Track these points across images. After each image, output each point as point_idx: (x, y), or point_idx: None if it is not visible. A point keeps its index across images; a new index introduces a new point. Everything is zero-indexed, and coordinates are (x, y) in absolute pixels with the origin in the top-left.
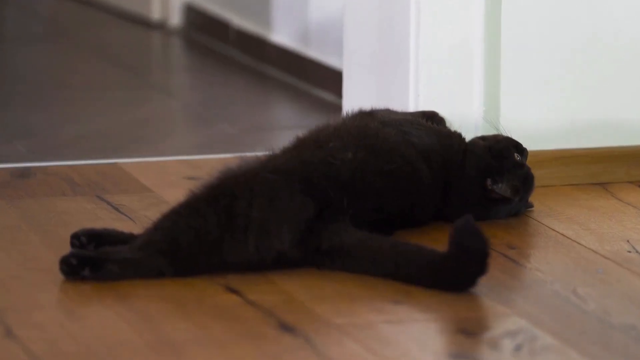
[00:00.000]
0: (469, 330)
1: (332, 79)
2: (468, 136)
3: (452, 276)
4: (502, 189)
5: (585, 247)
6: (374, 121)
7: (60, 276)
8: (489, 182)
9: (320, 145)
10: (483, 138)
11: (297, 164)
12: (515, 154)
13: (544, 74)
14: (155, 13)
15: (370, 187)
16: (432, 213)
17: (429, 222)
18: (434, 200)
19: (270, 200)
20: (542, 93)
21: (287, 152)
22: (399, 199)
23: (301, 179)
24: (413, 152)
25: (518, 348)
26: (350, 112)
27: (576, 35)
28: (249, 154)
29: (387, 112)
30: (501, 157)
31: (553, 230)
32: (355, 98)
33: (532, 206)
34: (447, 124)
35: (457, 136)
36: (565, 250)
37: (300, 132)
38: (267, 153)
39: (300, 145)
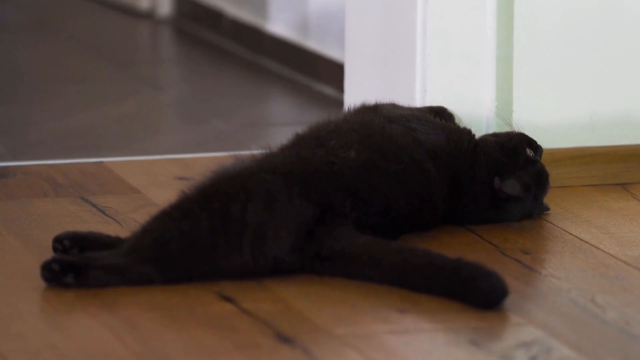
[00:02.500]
0: (480, 341)
1: (332, 71)
2: (478, 133)
3: (462, 280)
4: (510, 186)
5: (605, 252)
6: (379, 117)
7: (41, 283)
8: (496, 180)
9: (321, 142)
10: (495, 135)
11: (296, 163)
12: (528, 150)
13: (560, 66)
14: (143, 1)
15: (374, 189)
16: (441, 215)
17: (437, 225)
18: (442, 202)
19: (267, 203)
20: (558, 87)
21: (285, 150)
22: (405, 201)
23: (300, 180)
24: (421, 151)
25: None
26: (352, 106)
27: (594, 24)
28: (244, 153)
29: (393, 107)
30: (513, 154)
31: (570, 233)
32: (358, 92)
33: (548, 209)
34: (456, 120)
35: (467, 133)
36: (583, 255)
37: (300, 129)
38: (263, 151)
39: (299, 142)
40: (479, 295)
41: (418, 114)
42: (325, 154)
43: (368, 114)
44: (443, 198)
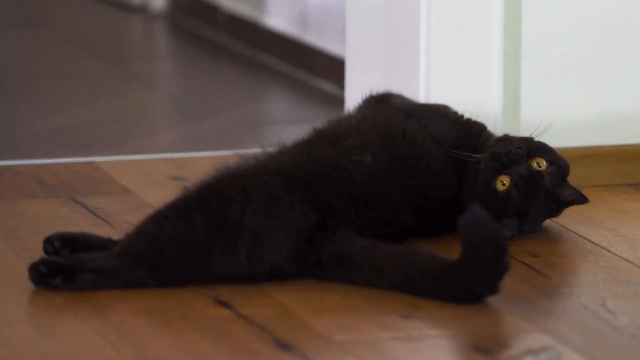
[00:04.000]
0: (486, 347)
1: (333, 67)
2: None
3: (468, 282)
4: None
5: (616, 255)
6: (398, 113)
7: (30, 287)
8: (498, 184)
9: (337, 140)
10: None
11: (303, 164)
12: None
13: (569, 63)
14: None
15: (385, 199)
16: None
17: (452, 231)
18: (459, 211)
19: (267, 207)
20: (568, 84)
21: (297, 147)
22: (418, 215)
23: (304, 184)
24: (441, 157)
25: None
26: (369, 96)
27: (605, 19)
28: (246, 151)
29: (403, 99)
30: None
31: (580, 236)
32: (359, 89)
33: (583, 199)
34: None
35: (476, 130)
36: (594, 258)
37: (298, 127)
38: (274, 147)
39: (314, 139)
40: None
41: (430, 106)
42: (337, 155)
43: (387, 108)
44: (458, 205)
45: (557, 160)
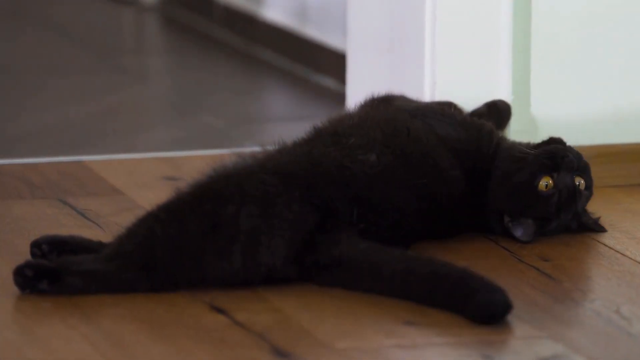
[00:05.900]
0: (494, 355)
1: (333, 62)
2: None
3: (465, 295)
4: (520, 230)
5: (631, 258)
6: (402, 112)
7: (16, 292)
8: (506, 219)
9: (338, 139)
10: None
11: (303, 163)
12: (545, 182)
13: (581, 57)
14: None
15: (390, 201)
16: (463, 226)
17: (457, 235)
18: (465, 211)
19: (263, 207)
20: (580, 79)
21: (297, 146)
22: (424, 217)
23: (303, 184)
24: (448, 155)
25: None
26: (370, 98)
27: (618, 11)
28: (242, 150)
29: (406, 100)
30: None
31: (593, 239)
32: (361, 85)
33: (600, 228)
34: None
35: (487, 131)
36: (607, 262)
37: (297, 125)
38: (273, 146)
39: (315, 138)
40: (475, 310)
41: (435, 106)
42: (339, 155)
43: (388, 107)
44: (466, 207)
45: (591, 188)
